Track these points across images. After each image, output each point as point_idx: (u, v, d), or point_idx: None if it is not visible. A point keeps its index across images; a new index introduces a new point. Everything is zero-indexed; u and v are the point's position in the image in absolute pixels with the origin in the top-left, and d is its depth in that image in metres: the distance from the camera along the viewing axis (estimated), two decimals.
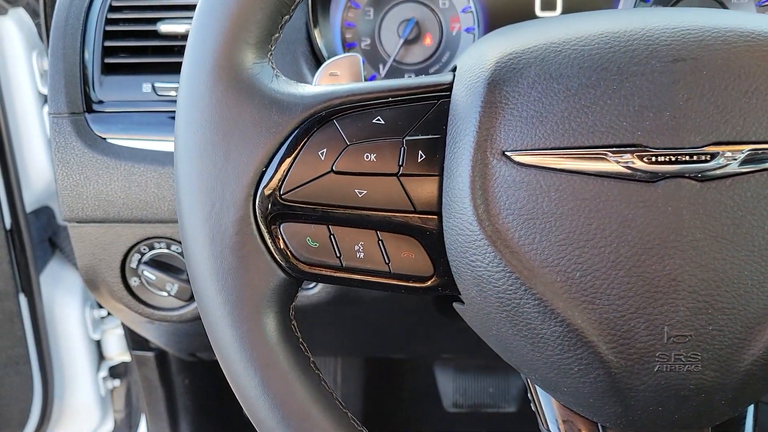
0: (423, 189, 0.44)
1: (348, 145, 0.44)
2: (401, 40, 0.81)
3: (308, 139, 0.43)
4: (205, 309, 0.44)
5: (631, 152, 0.40)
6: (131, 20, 0.79)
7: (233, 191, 0.43)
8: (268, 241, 0.43)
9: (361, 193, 0.44)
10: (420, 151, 0.44)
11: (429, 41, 0.83)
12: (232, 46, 0.43)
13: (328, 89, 0.45)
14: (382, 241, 0.44)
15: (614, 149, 0.41)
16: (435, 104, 0.45)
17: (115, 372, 1.34)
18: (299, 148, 0.43)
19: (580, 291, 0.41)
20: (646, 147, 0.40)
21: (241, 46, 0.43)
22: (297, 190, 0.43)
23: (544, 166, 0.41)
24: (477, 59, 0.44)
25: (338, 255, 0.44)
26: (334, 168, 0.44)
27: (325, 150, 0.44)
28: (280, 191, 0.43)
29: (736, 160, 0.40)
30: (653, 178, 0.40)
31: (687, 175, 0.40)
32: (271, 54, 0.45)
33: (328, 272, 0.45)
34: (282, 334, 0.44)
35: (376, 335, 1.09)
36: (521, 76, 0.42)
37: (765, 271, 0.40)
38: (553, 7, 0.82)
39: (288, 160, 0.43)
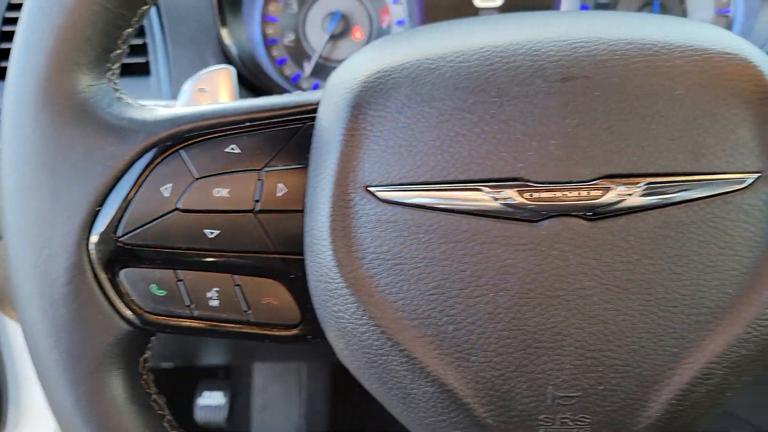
0: (285, 227, 0.39)
1: (196, 179, 0.38)
2: (327, 35, 0.75)
3: (150, 172, 0.38)
4: (40, 368, 0.39)
5: (511, 187, 0.35)
6: None
7: (63, 235, 0.37)
8: (108, 290, 0.38)
9: (212, 233, 0.38)
10: (280, 184, 0.39)
11: (359, 35, 0.77)
12: (60, 68, 0.37)
13: (176, 113, 0.39)
14: (239, 286, 0.39)
15: (491, 184, 0.35)
16: (300, 129, 0.39)
17: None
18: (139, 182, 0.38)
19: (454, 347, 0.36)
20: (528, 181, 0.35)
21: (70, 66, 0.38)
22: (138, 231, 0.38)
23: (413, 203, 0.36)
24: (345, 76, 0.38)
25: (188, 303, 0.39)
26: (179, 205, 0.38)
27: (170, 185, 0.38)
28: (117, 233, 0.38)
29: (631, 195, 0.35)
30: (536, 216, 0.35)
31: (574, 213, 0.35)
32: (113, 73, 0.40)
33: (179, 322, 0.40)
34: (129, 394, 0.39)
35: None
36: (389, 98, 0.36)
37: (662, 322, 0.35)
38: None
39: (126, 197, 0.38)
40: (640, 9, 0.73)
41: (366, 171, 0.36)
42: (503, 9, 0.76)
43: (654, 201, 0.35)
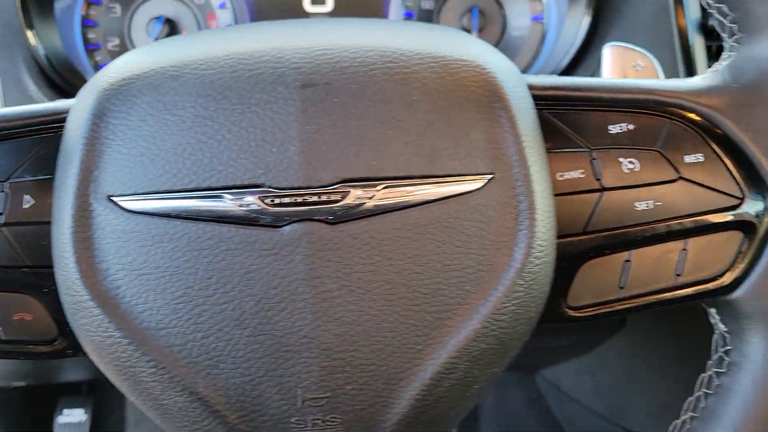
0: (35, 239, 0.38)
1: None
2: (152, 40, 0.73)
3: None
4: None
5: (253, 194, 0.35)
6: None
7: None
8: None
9: None
10: (27, 196, 0.38)
11: None
12: None
13: None
14: None
15: (233, 191, 0.35)
16: (49, 137, 0.38)
17: None
18: None
19: (203, 355, 0.36)
20: (270, 187, 0.35)
21: None
22: None
23: (156, 212, 0.35)
24: (92, 83, 0.38)
25: None
26: None
27: None
28: None
29: (370, 198, 0.36)
30: (278, 222, 0.35)
31: (316, 217, 0.35)
32: None
33: None
34: None
35: None
36: (132, 106, 0.36)
37: (405, 321, 0.36)
38: (322, 1, 0.77)
39: None
40: (462, 15, 0.76)
41: (108, 180, 0.36)
42: (334, 14, 0.76)
43: (392, 204, 0.36)
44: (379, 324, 0.36)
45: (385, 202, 0.36)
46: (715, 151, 0.39)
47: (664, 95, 0.39)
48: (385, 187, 0.36)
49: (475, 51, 0.38)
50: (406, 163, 0.36)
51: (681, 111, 0.39)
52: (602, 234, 0.39)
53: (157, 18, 0.73)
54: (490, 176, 0.36)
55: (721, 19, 0.40)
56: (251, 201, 0.35)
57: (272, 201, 0.35)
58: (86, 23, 0.73)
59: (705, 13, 0.66)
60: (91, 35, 0.74)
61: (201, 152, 0.35)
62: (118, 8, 0.74)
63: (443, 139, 0.36)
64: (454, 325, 0.36)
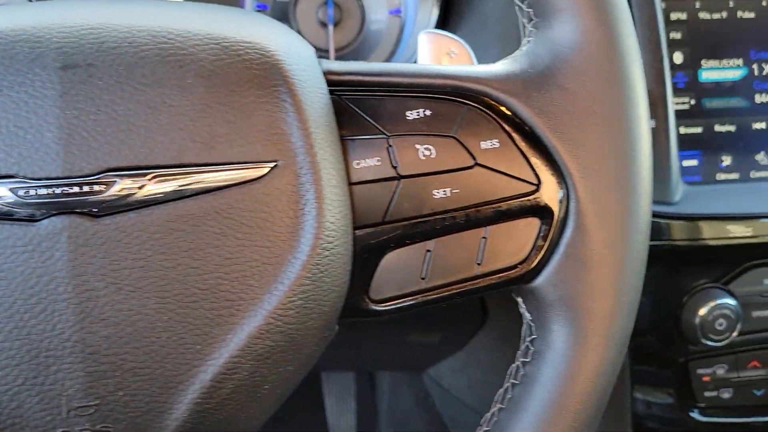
0: None
1: None
2: None
3: None
4: None
5: (4, 185, 0.32)
6: None
7: None
8: None
9: None
10: None
11: None
12: None
13: None
14: None
15: None
16: None
17: None
18: None
19: None
20: (24, 178, 0.32)
21: None
22: None
23: None
24: None
25: None
26: None
27: None
28: None
29: (139, 188, 0.33)
30: (35, 215, 0.32)
31: (78, 209, 0.33)
32: None
33: None
34: None
35: None
36: None
37: (181, 320, 0.34)
38: None
39: None
40: (318, 8, 0.74)
41: None
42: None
43: (164, 194, 0.33)
44: (152, 324, 0.33)
45: (156, 192, 0.33)
46: (510, 137, 0.38)
47: (462, 80, 0.38)
48: (155, 177, 0.33)
49: (263, 32, 0.36)
50: (180, 151, 0.33)
51: (477, 96, 0.38)
52: (402, 223, 0.38)
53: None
54: (273, 164, 0.34)
55: (520, 4, 0.40)
56: (3, 193, 0.32)
57: (27, 192, 0.32)
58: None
59: None
60: None
61: None
62: None
63: (221, 124, 0.34)
64: (236, 322, 0.34)
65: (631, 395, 0.70)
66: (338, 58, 0.75)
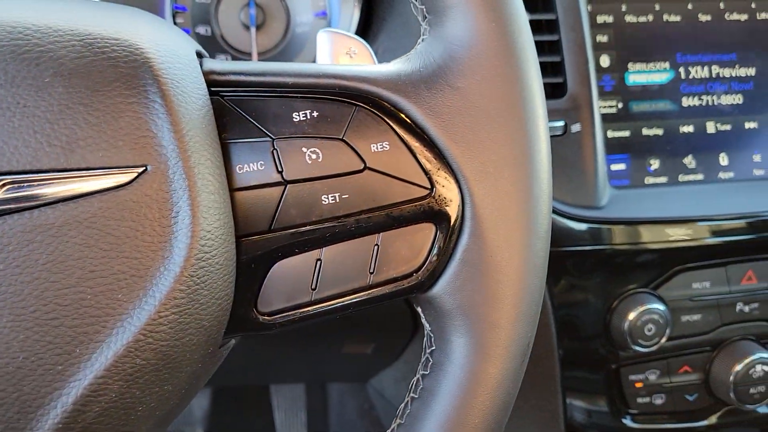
0: None
1: None
2: None
3: None
4: None
5: None
6: None
7: None
8: None
9: None
10: None
11: None
12: None
13: None
14: None
15: None
16: None
17: None
18: None
19: None
20: None
21: None
22: None
23: None
24: None
25: None
26: None
27: None
28: None
29: None
30: None
31: None
32: None
33: None
34: None
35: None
36: None
37: (40, 339, 0.31)
38: None
39: None
40: (241, 10, 0.72)
41: None
42: None
43: (18, 203, 0.31)
44: (6, 343, 0.31)
45: (9, 200, 0.31)
46: (401, 139, 0.36)
47: (350, 80, 0.36)
48: (7, 184, 0.31)
49: (134, 28, 0.34)
50: (35, 156, 0.31)
51: (366, 97, 0.36)
52: (290, 231, 0.36)
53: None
54: (142, 169, 0.32)
55: (413, 1, 0.38)
56: None
57: None
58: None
59: None
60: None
61: None
62: None
63: (82, 126, 0.32)
64: (101, 340, 0.32)
65: (564, 402, 0.69)
66: (263, 60, 0.73)
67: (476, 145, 0.36)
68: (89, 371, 0.31)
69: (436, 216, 0.36)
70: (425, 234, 0.37)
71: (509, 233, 0.36)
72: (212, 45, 0.73)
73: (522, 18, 0.37)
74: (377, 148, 0.36)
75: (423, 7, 0.37)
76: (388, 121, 0.36)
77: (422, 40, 0.38)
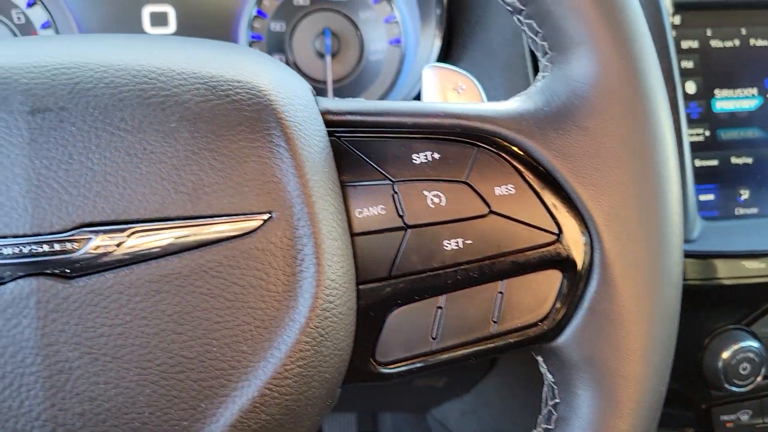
0: None
1: None
2: None
3: None
4: None
5: None
6: None
7: None
8: None
9: None
10: None
11: None
12: None
13: None
14: None
15: None
16: None
17: None
18: None
19: None
20: None
21: None
22: None
23: None
24: None
25: None
26: None
27: None
28: None
29: (117, 246, 0.29)
30: None
31: (48, 271, 0.29)
32: None
33: None
34: None
35: None
36: None
37: (166, 392, 0.30)
38: (164, 22, 0.70)
39: None
40: (315, 39, 0.71)
41: None
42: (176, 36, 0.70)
43: (144, 251, 0.30)
44: (132, 398, 0.30)
45: (136, 250, 0.30)
46: (527, 182, 0.35)
47: (471, 120, 0.35)
48: (135, 232, 0.30)
49: (254, 68, 0.33)
50: (162, 203, 0.30)
51: (489, 137, 0.35)
52: (410, 278, 0.34)
53: None
54: (267, 216, 0.31)
55: (533, 36, 0.36)
56: None
57: None
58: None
59: None
60: None
61: None
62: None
63: (208, 172, 0.31)
64: (227, 395, 0.30)
65: None
66: (336, 89, 0.72)
67: (606, 189, 0.34)
68: (215, 427, 0.30)
69: (563, 262, 0.35)
70: (551, 281, 0.35)
71: (641, 280, 0.34)
72: None
73: (651, 55, 0.35)
74: (502, 191, 0.34)
75: (545, 43, 0.36)
76: (512, 162, 0.35)
77: (543, 76, 0.37)
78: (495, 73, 0.64)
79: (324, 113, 0.35)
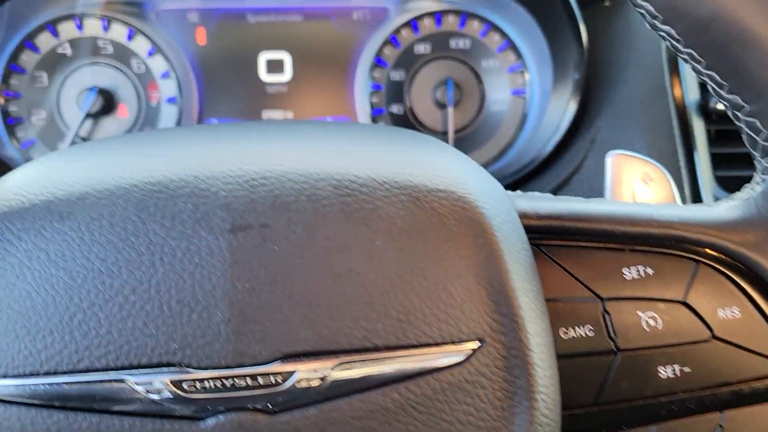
0: None
1: None
2: (83, 113, 0.65)
3: None
4: None
5: (164, 375, 0.26)
6: None
7: None
8: None
9: None
10: None
11: (125, 113, 0.67)
12: None
13: None
14: None
15: (138, 372, 0.26)
16: None
17: None
18: None
19: None
20: (187, 366, 0.26)
21: None
22: None
23: (35, 400, 0.26)
24: None
25: None
26: None
27: None
28: None
29: (322, 378, 0.27)
30: (199, 412, 0.26)
31: (250, 406, 0.27)
32: None
33: None
34: None
35: None
36: (5, 256, 0.27)
37: None
38: (280, 69, 0.69)
39: None
40: (436, 88, 0.69)
41: None
42: (293, 84, 0.69)
43: (350, 385, 0.27)
44: None
45: (341, 382, 0.27)
46: (755, 304, 0.31)
47: (686, 230, 0.31)
48: (341, 364, 0.27)
49: (453, 174, 0.30)
50: (369, 330, 0.27)
51: (709, 251, 0.31)
52: (618, 406, 0.31)
53: (90, 89, 0.64)
54: (477, 344, 0.28)
55: (753, 136, 0.32)
56: (162, 386, 0.26)
57: (191, 385, 0.26)
58: (7, 95, 0.64)
59: (705, 93, 0.60)
60: (12, 108, 0.64)
61: (95, 319, 0.26)
62: (45, 77, 0.65)
63: (416, 297, 0.28)
64: None
65: None
66: (456, 140, 0.69)
67: None
68: None
69: None
70: None
71: None
72: (402, 123, 0.70)
73: None
74: (726, 314, 0.31)
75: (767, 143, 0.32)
76: (738, 280, 0.31)
77: (763, 179, 0.33)
78: (635, 136, 0.60)
79: (521, 216, 0.32)
